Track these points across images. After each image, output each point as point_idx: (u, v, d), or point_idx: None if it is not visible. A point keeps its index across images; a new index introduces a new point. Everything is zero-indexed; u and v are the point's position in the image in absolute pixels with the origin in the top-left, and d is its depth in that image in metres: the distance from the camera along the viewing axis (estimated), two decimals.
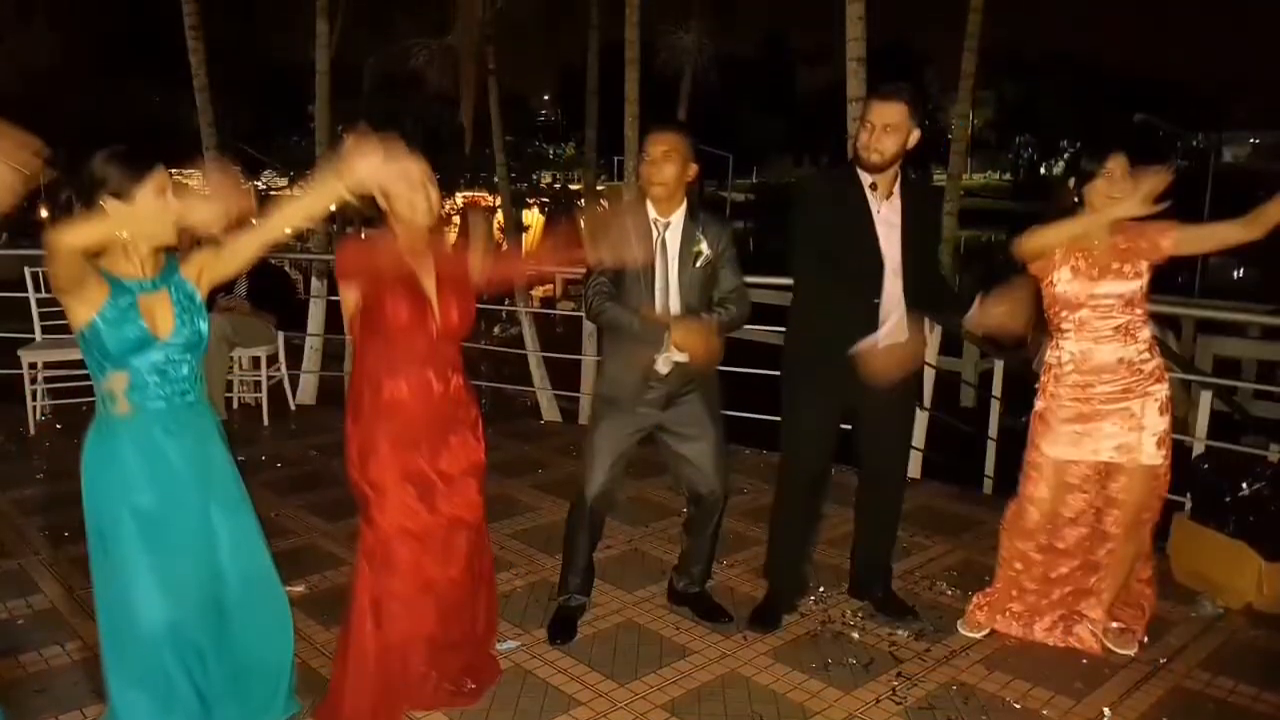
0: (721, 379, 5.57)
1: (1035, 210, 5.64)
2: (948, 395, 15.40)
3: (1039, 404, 5.38)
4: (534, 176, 41.75)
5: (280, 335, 10.33)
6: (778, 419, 5.79)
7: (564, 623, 5.59)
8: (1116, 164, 5.03)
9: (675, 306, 5.22)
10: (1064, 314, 5.22)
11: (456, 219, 28.59)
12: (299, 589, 6.01)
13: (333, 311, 12.24)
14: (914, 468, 8.28)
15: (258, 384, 10.37)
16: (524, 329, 17.69)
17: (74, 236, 3.34)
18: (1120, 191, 4.96)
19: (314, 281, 13.61)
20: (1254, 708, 5.01)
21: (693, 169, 5.23)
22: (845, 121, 10.43)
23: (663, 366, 5.23)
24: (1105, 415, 5.18)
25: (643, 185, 5.27)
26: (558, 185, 48.50)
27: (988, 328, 5.33)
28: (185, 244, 3.85)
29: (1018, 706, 4.94)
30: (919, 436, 8.40)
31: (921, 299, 5.38)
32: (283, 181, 37.40)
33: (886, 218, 5.30)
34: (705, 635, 5.61)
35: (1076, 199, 5.18)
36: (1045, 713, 4.89)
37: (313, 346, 13.20)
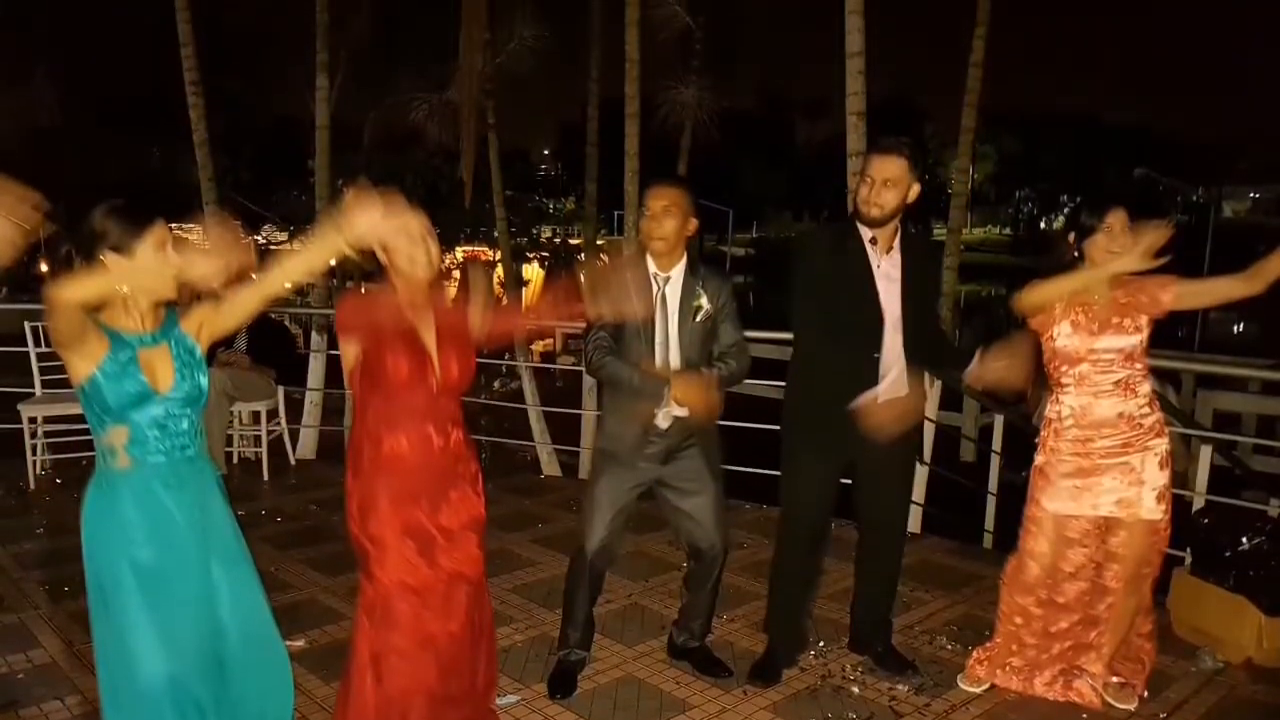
0: (721, 433, 5.57)
1: (1035, 265, 5.64)
2: (948, 450, 15.45)
3: (1039, 459, 5.37)
4: (534, 231, 41.96)
5: (280, 390, 10.34)
6: (777, 473, 5.79)
7: (564, 677, 5.58)
8: (1116, 219, 5.04)
9: (675, 361, 5.22)
10: (1064, 369, 5.22)
11: (456, 273, 28.64)
12: (299, 643, 5.99)
13: (333, 366, 12.26)
14: (914, 522, 8.27)
15: (257, 438, 10.37)
16: (524, 383, 17.71)
17: (74, 291, 3.33)
18: (1120, 246, 4.96)
19: (314, 336, 13.64)
20: None
21: (693, 224, 5.25)
22: (845, 176, 10.46)
23: (663, 421, 5.24)
24: (1105, 470, 5.18)
25: (643, 240, 5.28)
26: (558, 240, 48.74)
27: (988, 382, 5.33)
28: (185, 298, 3.86)
29: None
30: (919, 491, 8.39)
31: (921, 353, 5.39)
32: (283, 236, 37.56)
33: (886, 272, 5.31)
34: (705, 690, 5.59)
35: (1076, 253, 5.19)
36: None
37: (313, 401, 13.20)
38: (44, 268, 3.69)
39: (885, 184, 5.19)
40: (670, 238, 5.17)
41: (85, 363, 3.56)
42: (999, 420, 9.41)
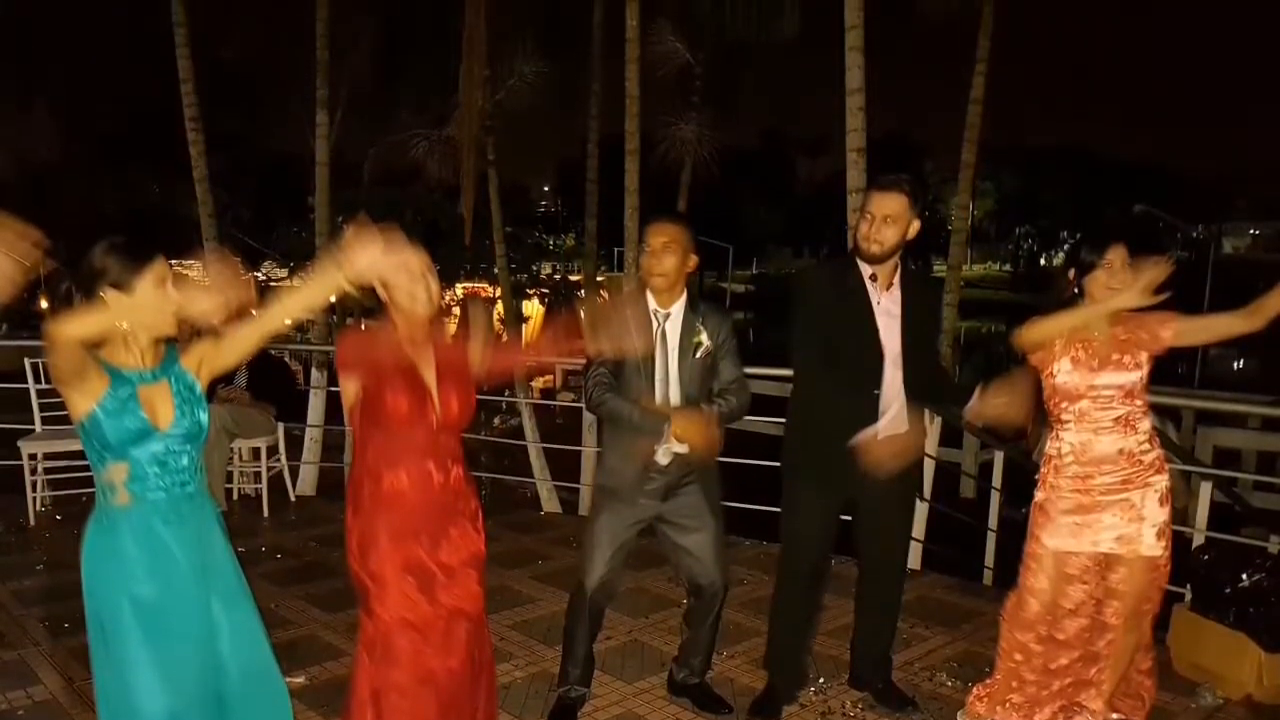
0: (721, 470, 5.56)
1: (1035, 301, 5.64)
2: (948, 486, 15.43)
3: (1039, 495, 5.35)
4: (534, 267, 41.90)
5: (280, 426, 10.34)
6: (777, 510, 5.78)
7: (564, 714, 5.56)
8: (1116, 255, 5.02)
9: (675, 397, 5.22)
10: (1064, 405, 5.21)
11: (456, 310, 28.64)
12: (299, 680, 5.98)
13: (333, 403, 12.25)
14: (914, 559, 8.26)
15: (257, 475, 10.38)
16: (524, 420, 17.69)
17: (74, 328, 3.33)
18: (1120, 282, 4.95)
19: (314, 372, 13.64)
20: None
21: (693, 260, 5.26)
22: (845, 212, 10.47)
23: (663, 458, 5.23)
24: (1105, 506, 5.16)
25: (643, 276, 5.28)
26: (558, 276, 48.72)
27: (988, 419, 5.32)
28: (185, 335, 3.86)
29: None
30: (919, 527, 8.38)
31: (921, 390, 5.39)
32: (283, 272, 37.56)
33: (887, 308, 5.32)
34: None
35: (1076, 290, 5.17)
36: None
37: (312, 437, 13.20)
38: (44, 304, 3.68)
39: (885, 220, 5.19)
40: (670, 274, 5.17)
41: (85, 399, 3.56)
42: (999, 457, 9.41)
